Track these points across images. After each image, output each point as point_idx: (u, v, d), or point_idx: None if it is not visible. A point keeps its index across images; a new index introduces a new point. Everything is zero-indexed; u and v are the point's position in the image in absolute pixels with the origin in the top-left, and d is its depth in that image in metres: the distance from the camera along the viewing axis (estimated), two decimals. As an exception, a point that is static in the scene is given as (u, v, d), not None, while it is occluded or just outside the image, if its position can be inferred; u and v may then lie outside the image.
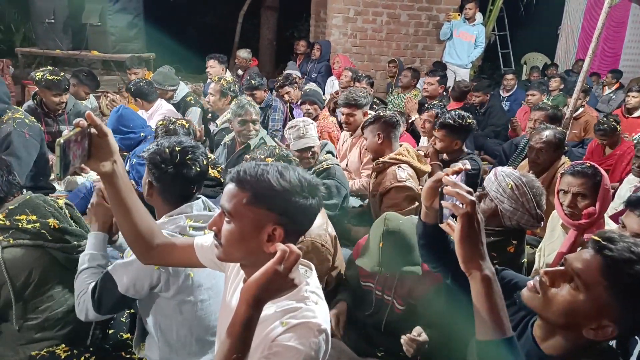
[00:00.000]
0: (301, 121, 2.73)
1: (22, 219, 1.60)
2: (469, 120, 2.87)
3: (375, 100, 4.72)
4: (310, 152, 2.68)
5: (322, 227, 2.01)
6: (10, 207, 1.62)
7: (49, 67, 3.50)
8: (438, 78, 4.88)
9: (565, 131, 3.41)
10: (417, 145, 3.81)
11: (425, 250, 1.32)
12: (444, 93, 5.07)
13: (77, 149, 1.01)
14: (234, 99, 3.64)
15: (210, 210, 1.63)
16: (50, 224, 1.65)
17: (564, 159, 2.84)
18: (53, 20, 6.60)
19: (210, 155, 2.76)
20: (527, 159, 2.97)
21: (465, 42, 6.43)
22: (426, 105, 4.09)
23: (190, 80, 7.37)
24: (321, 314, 1.01)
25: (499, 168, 1.89)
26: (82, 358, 1.65)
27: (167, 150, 1.53)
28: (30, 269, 1.59)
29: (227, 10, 10.01)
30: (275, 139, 3.63)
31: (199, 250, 1.26)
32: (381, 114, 2.70)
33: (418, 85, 5.41)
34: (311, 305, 1.01)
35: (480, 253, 0.99)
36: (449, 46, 6.60)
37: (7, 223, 1.58)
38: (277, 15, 10.09)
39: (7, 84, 3.40)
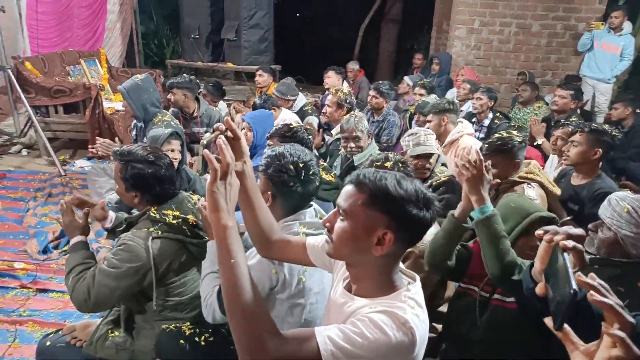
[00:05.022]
0: (422, 130, 2.69)
1: (169, 214, 1.80)
2: (615, 132, 2.61)
3: (498, 114, 4.46)
4: (428, 162, 2.59)
5: (433, 234, 1.96)
6: None
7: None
8: (572, 92, 4.41)
9: None
10: (545, 163, 3.51)
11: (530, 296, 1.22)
12: (577, 110, 4.57)
13: (216, 149, 1.16)
14: (350, 111, 3.74)
15: (320, 218, 1.69)
16: (189, 220, 1.85)
17: None
18: (197, 36, 7.51)
19: (322, 162, 2.89)
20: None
21: (608, 54, 5.76)
22: (561, 121, 3.70)
23: (311, 92, 7.75)
24: (413, 317, 1.00)
25: (614, 193, 1.71)
26: (203, 337, 1.84)
27: (291, 167, 1.56)
28: (171, 260, 1.79)
29: (350, 24, 10.31)
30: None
31: (311, 250, 1.33)
32: (508, 142, 2.42)
33: (547, 98, 4.97)
34: (405, 306, 1.02)
35: None
36: (589, 58, 5.97)
37: (157, 216, 1.79)
38: (398, 28, 10.11)
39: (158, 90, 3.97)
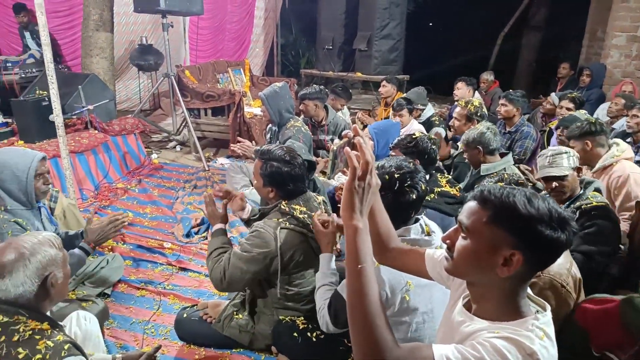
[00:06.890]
0: (554, 149, 2.45)
1: (297, 208, 1.97)
2: None
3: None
4: (560, 184, 2.35)
5: (563, 266, 1.77)
6: None
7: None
8: None
9: None
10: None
11: None
12: None
13: (344, 155, 1.23)
14: (480, 124, 3.57)
15: (428, 234, 1.64)
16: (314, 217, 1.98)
17: None
18: (331, 47, 7.87)
19: (447, 175, 2.80)
20: None
21: None
22: None
23: (439, 102, 7.56)
24: (541, 349, 0.91)
25: None
26: (315, 333, 1.94)
27: (386, 176, 1.58)
28: (294, 250, 1.94)
29: (486, 33, 9.80)
30: (520, 166, 3.39)
31: (429, 261, 1.30)
32: None
33: None
34: (532, 336, 0.94)
35: None
36: None
37: (287, 209, 1.97)
38: (542, 36, 9.32)
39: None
